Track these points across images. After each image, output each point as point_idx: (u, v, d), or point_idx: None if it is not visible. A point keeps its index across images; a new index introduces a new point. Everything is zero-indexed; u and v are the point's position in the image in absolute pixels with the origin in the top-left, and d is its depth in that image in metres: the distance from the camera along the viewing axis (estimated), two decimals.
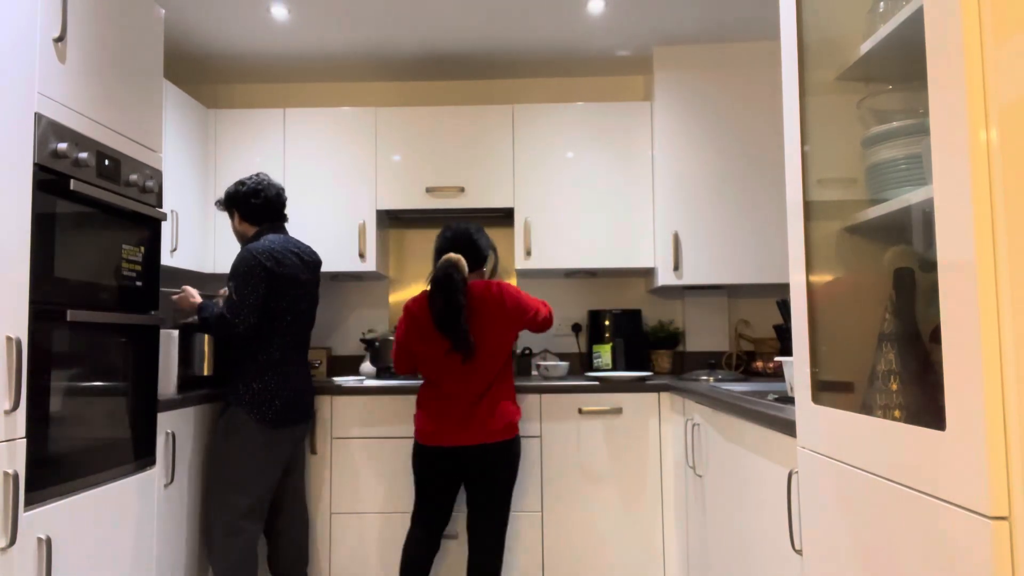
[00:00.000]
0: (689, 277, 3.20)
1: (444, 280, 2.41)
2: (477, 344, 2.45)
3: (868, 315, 1.40)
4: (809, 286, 1.41)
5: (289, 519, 2.69)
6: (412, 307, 2.53)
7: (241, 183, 2.68)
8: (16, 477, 1.63)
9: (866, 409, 1.29)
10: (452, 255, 2.48)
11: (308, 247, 2.73)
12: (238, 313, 2.45)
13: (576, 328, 3.62)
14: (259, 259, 2.50)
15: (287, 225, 3.32)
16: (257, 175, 2.70)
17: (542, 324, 2.59)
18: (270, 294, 2.52)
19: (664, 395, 2.91)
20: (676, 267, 3.20)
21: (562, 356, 3.61)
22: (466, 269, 2.47)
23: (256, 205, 2.65)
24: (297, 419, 2.59)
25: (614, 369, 3.37)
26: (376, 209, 3.34)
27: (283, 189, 2.74)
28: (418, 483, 2.55)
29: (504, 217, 3.62)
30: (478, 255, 2.59)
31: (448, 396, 2.48)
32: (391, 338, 3.30)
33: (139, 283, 2.21)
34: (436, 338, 2.46)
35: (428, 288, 2.48)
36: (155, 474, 2.29)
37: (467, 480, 2.52)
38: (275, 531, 2.68)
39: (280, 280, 2.53)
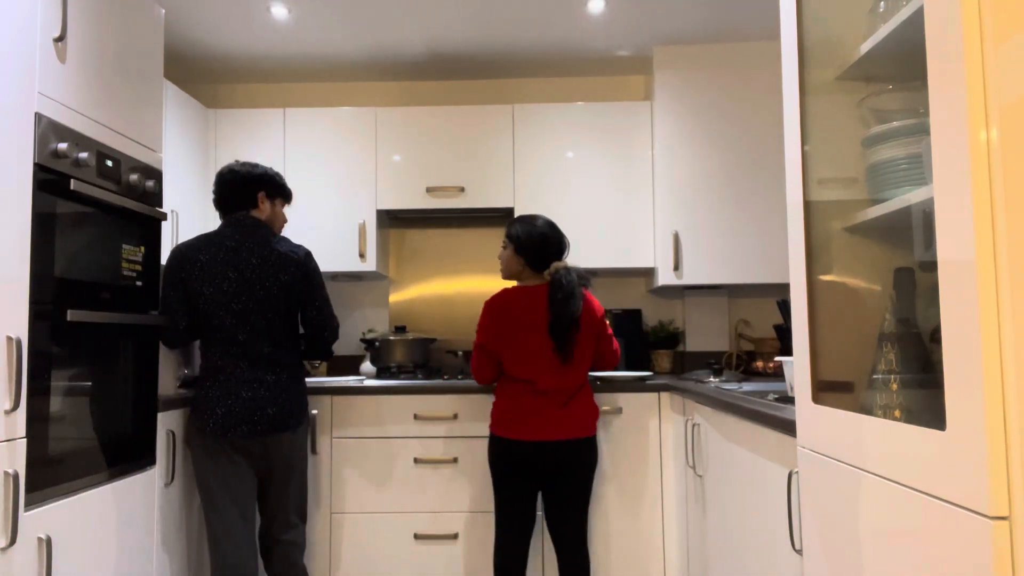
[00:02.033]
0: (689, 277, 3.20)
1: (574, 288, 2.44)
2: (575, 347, 2.49)
3: (868, 315, 1.40)
4: (809, 286, 1.41)
5: (273, 538, 2.48)
6: (503, 304, 2.50)
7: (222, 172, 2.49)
8: (16, 477, 1.63)
9: (866, 409, 1.29)
10: (566, 264, 2.52)
11: (267, 243, 2.40)
12: (163, 319, 2.33)
13: None
14: (170, 259, 2.36)
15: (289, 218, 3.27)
16: (229, 164, 2.49)
17: (615, 354, 2.65)
18: (186, 296, 2.35)
19: (664, 395, 2.91)
20: (676, 267, 3.20)
21: None
22: None
23: (216, 198, 2.48)
24: (251, 432, 2.31)
25: (614, 369, 3.37)
26: (376, 209, 3.34)
27: (229, 174, 2.44)
28: (501, 483, 2.50)
29: (504, 217, 3.62)
30: (562, 256, 2.61)
31: (545, 392, 2.46)
32: (391, 338, 3.30)
33: (139, 283, 2.21)
34: (538, 337, 2.46)
35: (542, 286, 2.50)
36: (155, 474, 2.29)
37: (551, 478, 2.49)
38: (264, 546, 2.51)
39: (193, 280, 2.34)
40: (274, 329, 2.40)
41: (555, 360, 2.46)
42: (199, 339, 2.43)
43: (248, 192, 2.44)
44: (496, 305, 2.51)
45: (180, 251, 2.37)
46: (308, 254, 2.48)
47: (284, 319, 2.42)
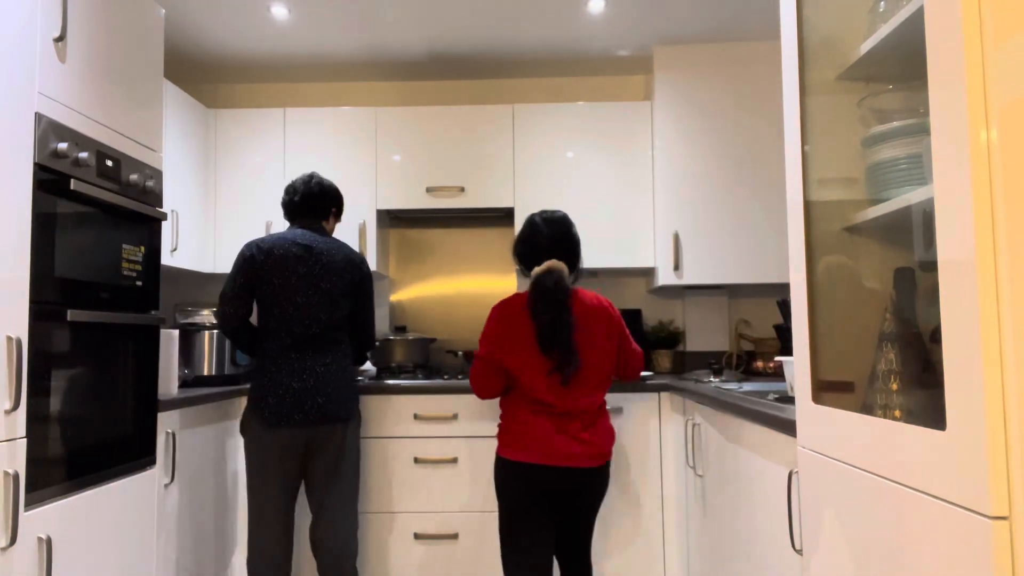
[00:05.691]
0: (689, 277, 3.20)
1: (554, 293, 2.11)
2: (583, 360, 2.15)
3: (868, 315, 1.40)
4: (809, 286, 1.41)
5: (316, 533, 2.49)
6: (508, 312, 2.19)
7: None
8: (16, 477, 1.63)
9: (866, 409, 1.29)
10: (555, 264, 2.16)
11: (336, 246, 2.54)
12: (221, 305, 2.45)
13: None
14: (244, 250, 2.47)
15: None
16: (308, 174, 2.64)
17: (639, 363, 2.39)
18: (255, 286, 2.44)
19: (664, 395, 2.91)
20: (676, 267, 3.20)
21: None
22: (568, 278, 2.18)
23: (283, 203, 2.63)
24: (302, 421, 2.38)
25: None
26: (376, 209, 3.34)
27: (316, 187, 2.58)
28: (516, 514, 2.16)
29: (504, 217, 3.62)
30: (575, 256, 2.27)
31: (562, 413, 2.16)
32: (392, 338, 3.30)
33: (139, 283, 2.21)
34: (538, 354, 2.15)
35: (527, 293, 2.18)
36: (155, 474, 2.29)
37: (565, 507, 2.22)
38: (312, 540, 2.51)
39: (265, 272, 2.42)
40: (330, 324, 2.48)
41: (558, 381, 2.15)
42: (259, 330, 2.49)
43: (326, 206, 2.62)
44: (502, 313, 2.22)
45: (254, 244, 2.47)
46: (364, 259, 2.63)
47: (339, 315, 2.51)
